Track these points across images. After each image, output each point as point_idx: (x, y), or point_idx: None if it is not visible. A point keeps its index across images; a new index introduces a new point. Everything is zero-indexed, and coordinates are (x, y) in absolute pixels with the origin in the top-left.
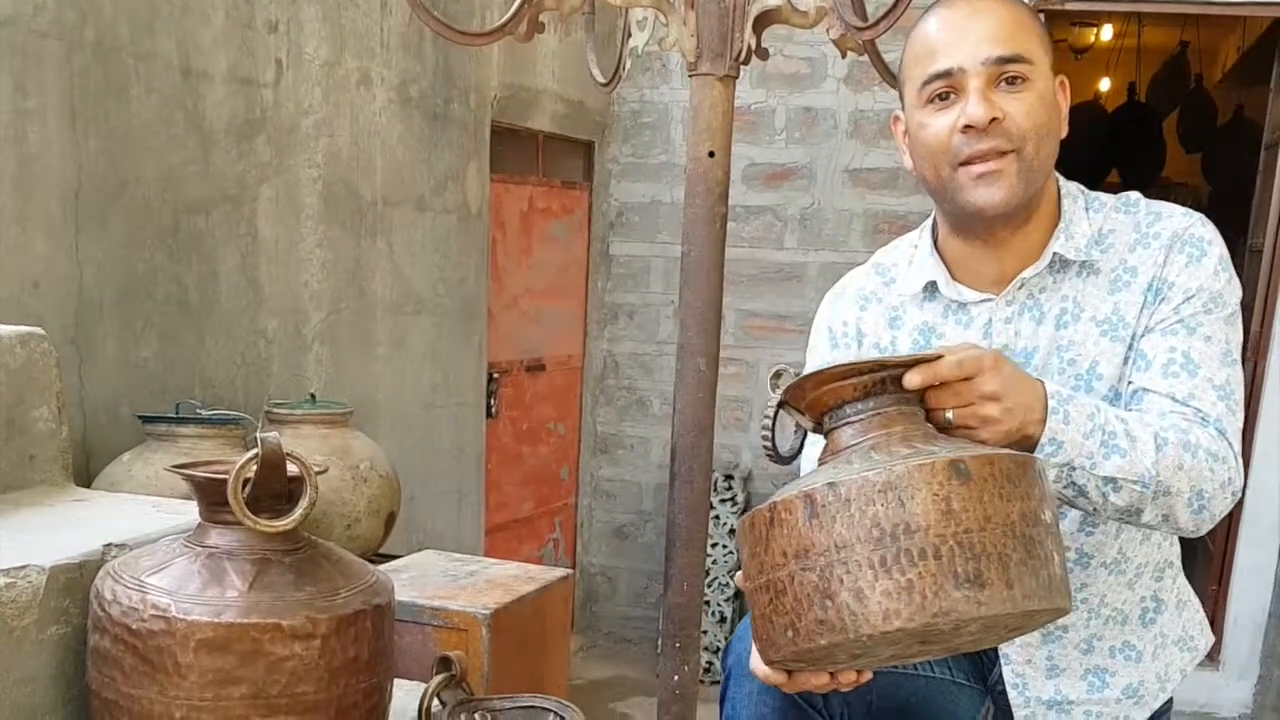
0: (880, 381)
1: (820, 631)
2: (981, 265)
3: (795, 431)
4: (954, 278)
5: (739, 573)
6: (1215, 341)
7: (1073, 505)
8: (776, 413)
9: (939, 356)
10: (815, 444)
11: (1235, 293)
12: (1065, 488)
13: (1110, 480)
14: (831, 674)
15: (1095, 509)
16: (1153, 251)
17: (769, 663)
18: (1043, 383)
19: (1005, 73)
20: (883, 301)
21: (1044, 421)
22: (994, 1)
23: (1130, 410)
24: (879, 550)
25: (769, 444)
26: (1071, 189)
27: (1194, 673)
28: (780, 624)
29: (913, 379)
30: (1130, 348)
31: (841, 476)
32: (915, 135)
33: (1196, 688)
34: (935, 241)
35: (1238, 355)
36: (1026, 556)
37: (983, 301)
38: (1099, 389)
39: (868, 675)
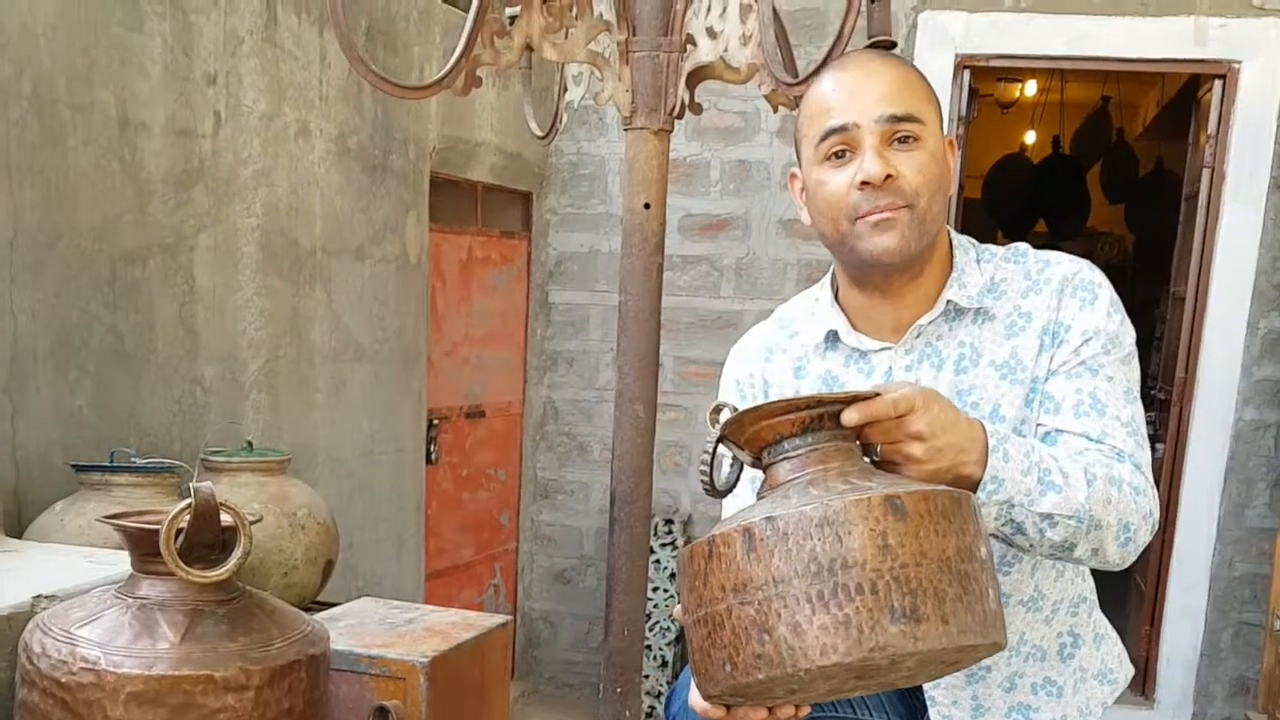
0: (818, 418)
1: (758, 666)
2: (880, 315)
3: (731, 466)
4: (854, 327)
5: (678, 606)
6: (1117, 381)
7: (1009, 543)
8: (716, 447)
9: (876, 395)
10: (744, 481)
11: (1129, 333)
12: (1004, 525)
13: (1047, 516)
14: (770, 709)
15: (1032, 545)
16: (1044, 297)
17: (707, 697)
18: (982, 424)
19: (898, 131)
20: (787, 353)
21: (983, 462)
22: (885, 64)
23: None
24: (816, 585)
25: (706, 478)
26: (963, 241)
27: (1129, 711)
28: (718, 658)
29: (850, 416)
30: (1031, 390)
31: (779, 511)
32: (813, 192)
33: None
34: (835, 294)
35: (1137, 392)
36: (962, 592)
37: (882, 350)
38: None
39: (805, 710)
